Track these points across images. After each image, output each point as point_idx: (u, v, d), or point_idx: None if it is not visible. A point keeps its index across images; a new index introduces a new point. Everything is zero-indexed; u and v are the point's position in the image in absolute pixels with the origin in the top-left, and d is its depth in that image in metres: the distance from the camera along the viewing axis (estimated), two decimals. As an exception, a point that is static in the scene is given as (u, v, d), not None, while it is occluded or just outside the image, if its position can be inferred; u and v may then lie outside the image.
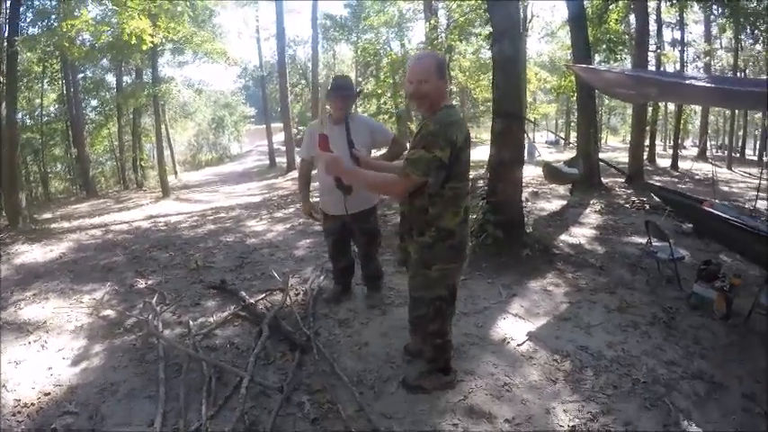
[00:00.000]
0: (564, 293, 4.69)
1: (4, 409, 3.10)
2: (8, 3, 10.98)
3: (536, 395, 3.07)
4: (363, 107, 35.08)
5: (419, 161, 2.57)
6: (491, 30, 5.98)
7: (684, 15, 22.06)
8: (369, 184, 2.97)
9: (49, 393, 3.27)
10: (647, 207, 8.74)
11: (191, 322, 4.22)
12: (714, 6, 18.19)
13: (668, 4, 18.79)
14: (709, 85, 5.21)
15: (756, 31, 19.52)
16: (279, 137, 29.43)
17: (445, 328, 3.01)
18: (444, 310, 2.92)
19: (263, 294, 4.84)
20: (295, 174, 20.14)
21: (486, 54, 22.30)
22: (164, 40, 14.28)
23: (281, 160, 25.06)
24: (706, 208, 5.17)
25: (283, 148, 25.00)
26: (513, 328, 3.97)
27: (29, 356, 3.84)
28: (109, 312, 4.68)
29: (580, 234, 6.92)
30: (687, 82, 5.52)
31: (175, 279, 5.60)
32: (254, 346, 3.64)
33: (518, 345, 3.69)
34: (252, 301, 4.58)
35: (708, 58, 26.81)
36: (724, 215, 4.67)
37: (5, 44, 10.70)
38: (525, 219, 6.38)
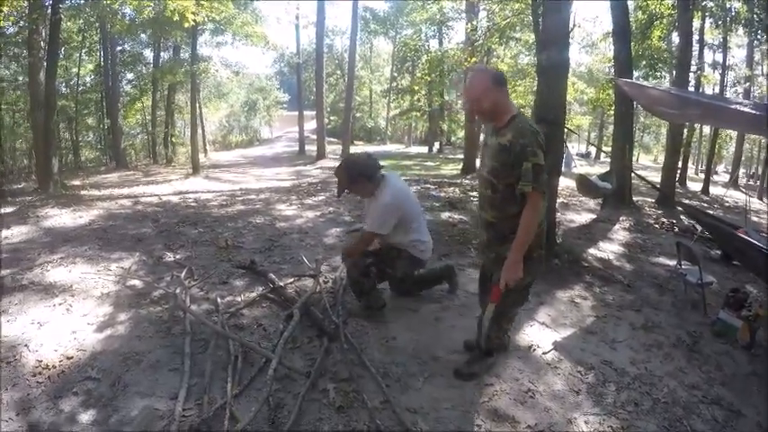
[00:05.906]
0: (591, 307, 4.66)
1: (25, 369, 3.13)
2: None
3: (559, 404, 3.06)
4: (397, 102, 35.10)
5: (527, 174, 2.69)
6: (533, 36, 5.93)
7: (728, 38, 21.71)
8: (528, 238, 2.81)
9: (72, 357, 3.29)
10: (677, 229, 8.64)
11: (218, 300, 4.23)
12: (759, 32, 17.88)
13: (713, 25, 18.52)
14: (755, 112, 5.10)
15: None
16: (310, 125, 29.64)
17: None
18: (527, 296, 3.27)
19: (293, 279, 4.83)
20: (324, 162, 20.26)
21: (524, 60, 22.14)
22: (206, 19, 14.42)
23: (311, 148, 25.23)
24: (742, 235, 5.12)
25: (313, 136, 25.20)
26: (540, 336, 3.95)
27: (53, 319, 3.88)
28: (136, 282, 4.73)
29: (608, 249, 6.85)
30: (732, 107, 5.43)
31: (204, 256, 5.62)
32: (282, 329, 3.64)
33: (543, 353, 3.68)
34: (281, 284, 4.54)
35: (748, 83, 26.31)
36: (759, 243, 4.62)
37: (49, 11, 10.87)
38: (555, 229, 6.34)
